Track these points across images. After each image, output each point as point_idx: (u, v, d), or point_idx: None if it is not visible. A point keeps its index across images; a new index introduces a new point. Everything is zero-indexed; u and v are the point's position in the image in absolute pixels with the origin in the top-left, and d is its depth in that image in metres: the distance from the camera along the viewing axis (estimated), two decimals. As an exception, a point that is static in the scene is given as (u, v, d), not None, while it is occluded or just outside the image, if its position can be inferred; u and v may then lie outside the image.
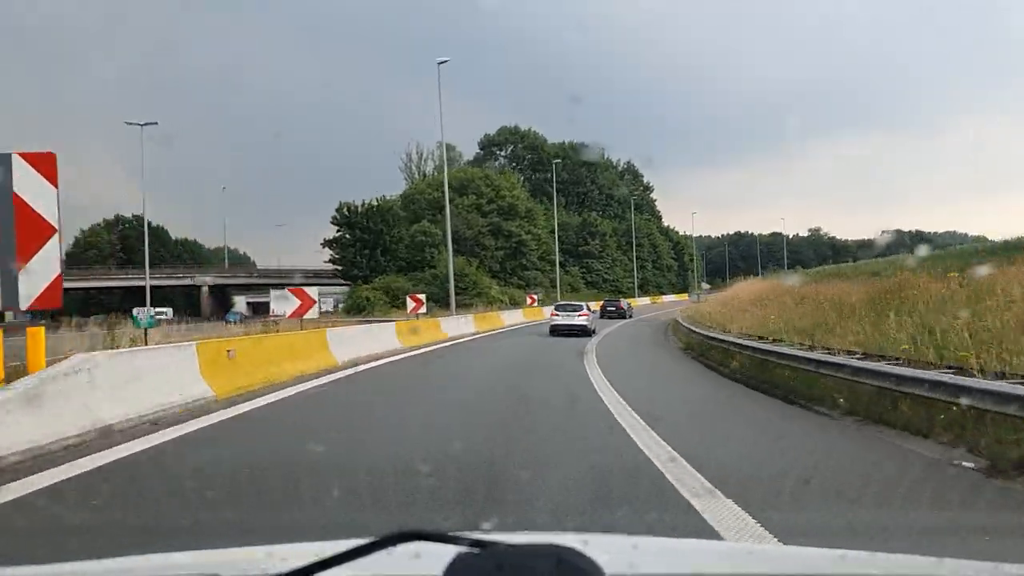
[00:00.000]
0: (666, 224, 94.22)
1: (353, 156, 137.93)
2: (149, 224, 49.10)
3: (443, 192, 36.34)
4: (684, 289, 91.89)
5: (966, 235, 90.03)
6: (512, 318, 37.53)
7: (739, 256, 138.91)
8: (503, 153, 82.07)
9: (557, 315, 27.39)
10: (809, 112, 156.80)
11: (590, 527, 3.86)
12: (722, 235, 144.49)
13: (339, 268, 56.14)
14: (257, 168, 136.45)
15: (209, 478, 5.36)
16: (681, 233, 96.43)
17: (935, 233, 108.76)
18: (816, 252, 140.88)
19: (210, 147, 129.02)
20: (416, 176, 73.46)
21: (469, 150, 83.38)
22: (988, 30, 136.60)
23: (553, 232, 59.11)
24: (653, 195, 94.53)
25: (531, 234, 63.77)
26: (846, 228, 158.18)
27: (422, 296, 30.83)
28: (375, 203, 55.90)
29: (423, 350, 19.47)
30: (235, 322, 41.52)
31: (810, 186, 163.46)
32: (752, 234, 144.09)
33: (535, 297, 44.57)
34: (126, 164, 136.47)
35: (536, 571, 0.97)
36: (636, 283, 74.99)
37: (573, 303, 30.26)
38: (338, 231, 55.98)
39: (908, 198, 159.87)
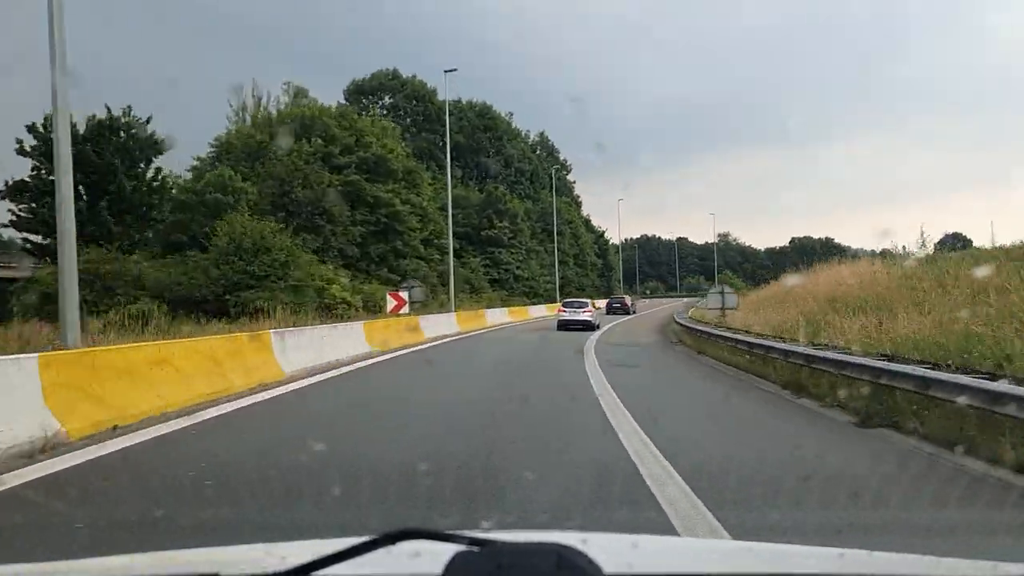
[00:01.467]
0: (585, 213, 75.79)
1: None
2: None
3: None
4: (608, 293, 73.27)
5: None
6: (348, 341, 15.76)
7: (645, 261, 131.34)
8: (378, 105, 59.89)
9: (564, 311, 29.97)
10: (707, 127, 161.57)
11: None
12: (627, 239, 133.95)
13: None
14: None
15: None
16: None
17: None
18: (726, 259, 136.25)
19: None
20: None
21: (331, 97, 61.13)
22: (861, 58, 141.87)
23: (445, 208, 37.92)
24: (571, 177, 75.67)
25: (411, 205, 42.11)
26: (751, 236, 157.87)
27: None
28: (120, 119, 30.89)
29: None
30: None
31: (714, 196, 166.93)
32: (660, 238, 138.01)
33: (403, 299, 22.70)
34: None
35: (535, 569, 0.97)
36: (557, 282, 54.82)
37: (580, 300, 33.21)
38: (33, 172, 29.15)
39: (815, 208, 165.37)
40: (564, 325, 28.21)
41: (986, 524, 4.25)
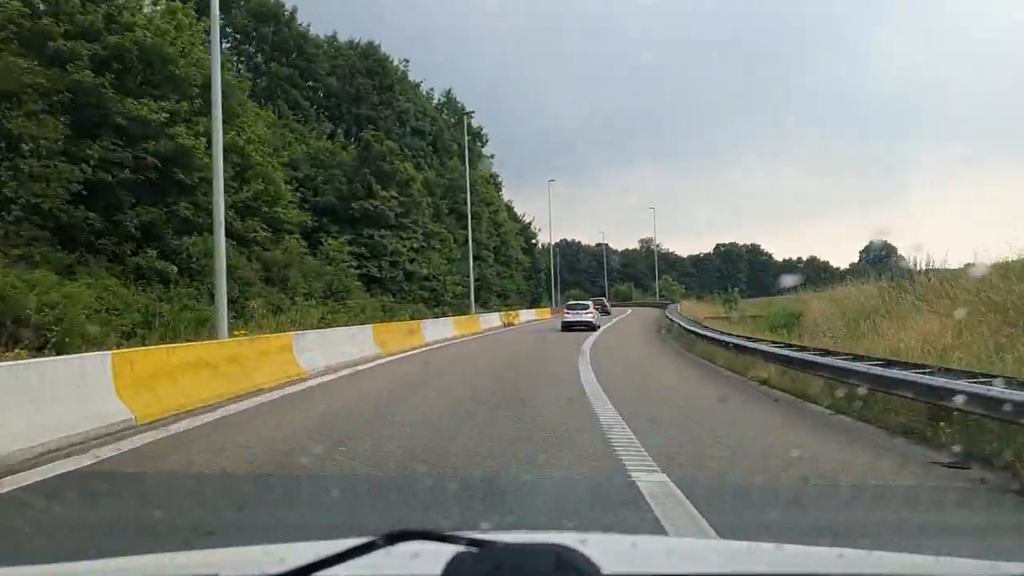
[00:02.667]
0: (507, 199, 58.67)
1: None
2: None
3: None
4: (536, 302, 56.48)
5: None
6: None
7: (565, 267, 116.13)
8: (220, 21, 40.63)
9: (568, 313, 30.90)
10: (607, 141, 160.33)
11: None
12: (543, 244, 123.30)
13: None
14: None
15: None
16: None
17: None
18: (650, 265, 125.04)
19: None
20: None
21: None
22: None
23: (293, 164, 19.84)
24: (487, 151, 58.34)
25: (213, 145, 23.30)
26: (672, 243, 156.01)
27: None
28: None
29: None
30: None
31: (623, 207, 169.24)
32: (580, 243, 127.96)
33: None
34: None
35: (534, 570, 0.97)
36: (472, 283, 36.87)
37: (582, 302, 35.18)
38: None
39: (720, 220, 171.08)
40: (568, 326, 29.18)
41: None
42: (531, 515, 4.34)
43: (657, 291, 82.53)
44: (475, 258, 40.97)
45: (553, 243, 63.82)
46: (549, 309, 52.32)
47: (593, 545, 1.13)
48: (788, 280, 69.36)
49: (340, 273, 27.48)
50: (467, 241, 36.24)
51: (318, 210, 31.24)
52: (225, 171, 24.40)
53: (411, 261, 34.30)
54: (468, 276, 36.16)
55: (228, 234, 24.29)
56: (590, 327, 28.26)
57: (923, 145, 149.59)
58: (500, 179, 56.65)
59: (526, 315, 42.58)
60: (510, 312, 37.74)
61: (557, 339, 22.98)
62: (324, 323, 23.26)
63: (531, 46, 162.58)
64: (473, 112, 39.00)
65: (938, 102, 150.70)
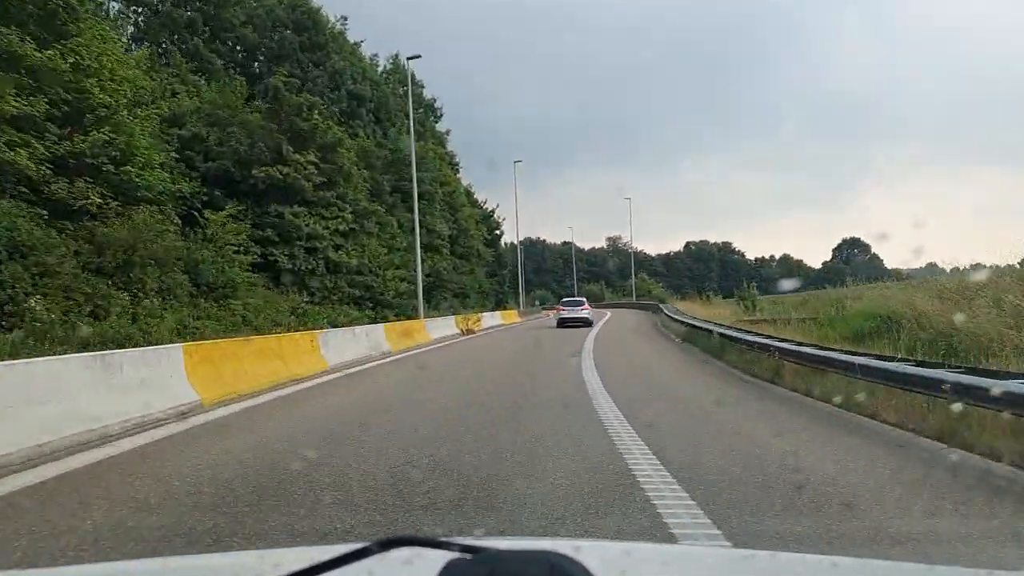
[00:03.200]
0: (466, 183, 50.55)
1: None
2: None
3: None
4: (502, 303, 48.75)
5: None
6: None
7: (529, 268, 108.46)
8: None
9: (564, 310, 32.21)
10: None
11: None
12: (507, 242, 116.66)
13: None
14: None
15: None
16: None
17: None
18: (617, 264, 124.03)
19: None
20: None
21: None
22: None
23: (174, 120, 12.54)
24: (442, 127, 50.26)
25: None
26: (641, 242, 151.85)
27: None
28: None
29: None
30: None
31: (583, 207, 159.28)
32: (545, 241, 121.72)
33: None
34: None
35: None
36: (421, 279, 28.49)
37: (576, 299, 35.63)
38: None
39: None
40: (564, 322, 30.33)
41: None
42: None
43: (633, 290, 75.35)
44: (426, 248, 32.87)
45: (518, 240, 55.88)
46: (516, 311, 44.63)
47: (587, 552, 1.14)
48: (787, 284, 63.61)
49: (221, 261, 19.20)
50: (415, 227, 28.12)
51: (208, 178, 22.96)
52: (32, 105, 16.15)
53: (336, 248, 26.07)
54: (416, 271, 28.07)
55: (37, 198, 16.09)
56: (586, 323, 29.83)
57: (881, 145, 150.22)
58: (458, 161, 48.76)
59: (490, 319, 34.81)
60: (469, 316, 29.89)
61: (542, 358, 15.44)
62: (187, 335, 15.16)
63: (498, 46, 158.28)
64: (419, 56, 30.85)
65: (898, 103, 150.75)
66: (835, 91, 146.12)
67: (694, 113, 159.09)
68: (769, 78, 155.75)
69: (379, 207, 30.42)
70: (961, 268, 17.66)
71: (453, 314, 29.99)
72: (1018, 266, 14.06)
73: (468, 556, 1.02)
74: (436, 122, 48.30)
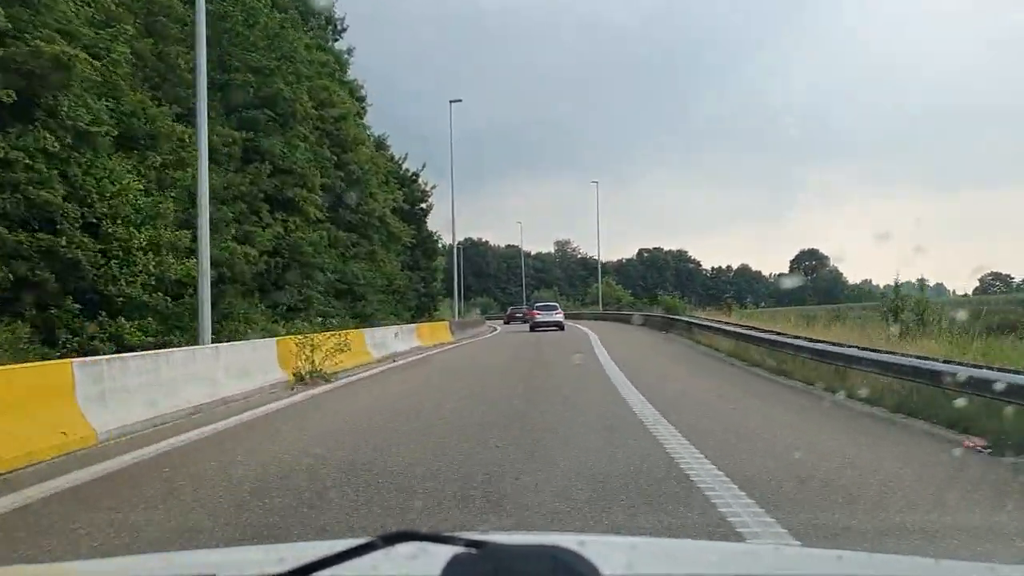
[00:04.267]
0: (379, 133, 33.32)
1: None
2: None
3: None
4: (426, 309, 31.95)
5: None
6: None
7: (469, 272, 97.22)
8: None
9: (538, 314, 31.99)
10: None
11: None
12: (442, 244, 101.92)
13: None
14: None
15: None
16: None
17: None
18: (566, 271, 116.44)
19: None
20: None
21: None
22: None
23: None
24: (343, 43, 33.08)
25: None
26: (590, 247, 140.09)
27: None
28: None
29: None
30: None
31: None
32: (488, 243, 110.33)
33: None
34: None
35: (533, 572, 0.96)
36: (206, 240, 11.20)
37: (550, 303, 37.63)
38: None
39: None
40: (537, 326, 30.27)
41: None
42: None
43: (599, 298, 59.48)
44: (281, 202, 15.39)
45: (455, 238, 39.06)
46: (449, 324, 28.02)
47: (592, 547, 1.12)
48: (788, 282, 55.69)
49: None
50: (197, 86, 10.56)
51: None
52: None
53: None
54: (200, 224, 11.03)
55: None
56: (559, 326, 29.88)
57: (818, 165, 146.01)
58: (366, 96, 31.46)
59: (395, 341, 18.21)
60: (341, 337, 12.92)
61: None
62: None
63: (445, 52, 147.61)
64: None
65: (838, 124, 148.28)
66: (780, 108, 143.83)
67: (647, 124, 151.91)
68: (716, 95, 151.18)
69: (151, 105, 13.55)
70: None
71: (302, 334, 12.88)
72: None
73: (473, 551, 1.00)
74: (347, 63, 30.96)
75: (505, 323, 43.62)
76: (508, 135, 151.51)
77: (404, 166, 34.94)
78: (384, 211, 25.50)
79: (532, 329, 29.64)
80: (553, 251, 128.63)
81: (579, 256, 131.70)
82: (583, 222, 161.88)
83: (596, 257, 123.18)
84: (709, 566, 1.45)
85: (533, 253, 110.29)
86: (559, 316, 31.07)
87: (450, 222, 47.19)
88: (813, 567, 1.45)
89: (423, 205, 34.42)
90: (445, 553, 0.99)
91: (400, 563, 1.13)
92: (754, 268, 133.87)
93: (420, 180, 34.24)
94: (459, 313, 38.99)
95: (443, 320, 29.56)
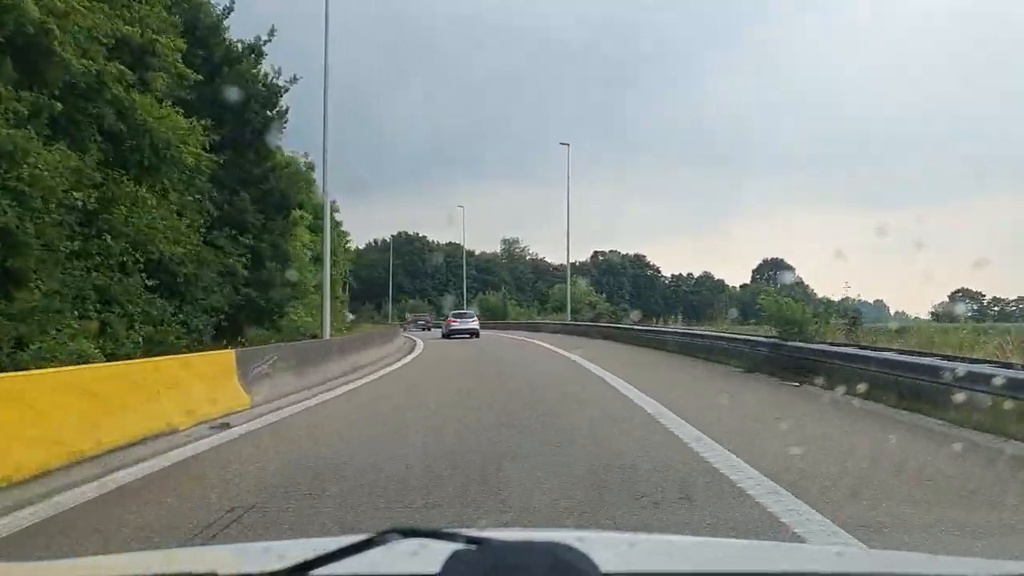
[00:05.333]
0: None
1: None
2: None
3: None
4: (268, 310, 16.86)
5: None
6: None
7: (401, 271, 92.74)
8: None
9: (454, 321, 34.29)
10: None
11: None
12: (374, 240, 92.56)
13: None
14: None
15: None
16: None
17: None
18: (514, 274, 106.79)
19: None
20: None
21: None
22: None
23: None
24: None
25: None
26: (541, 248, 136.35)
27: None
28: None
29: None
30: None
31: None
32: (425, 237, 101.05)
33: None
34: None
35: (532, 568, 0.96)
36: None
37: (467, 311, 37.85)
38: None
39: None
40: (452, 333, 32.79)
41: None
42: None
43: (568, 305, 45.32)
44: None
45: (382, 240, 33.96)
46: (234, 357, 10.67)
47: (591, 543, 1.12)
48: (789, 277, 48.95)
49: None
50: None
51: None
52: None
53: None
54: None
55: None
56: (475, 334, 31.79)
57: (753, 177, 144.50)
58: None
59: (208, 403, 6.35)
60: None
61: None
62: None
63: (378, 53, 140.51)
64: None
65: (769, 140, 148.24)
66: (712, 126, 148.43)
67: (591, 136, 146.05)
68: (659, 107, 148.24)
69: None
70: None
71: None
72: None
73: (473, 547, 1.00)
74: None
75: (444, 336, 35.78)
76: (451, 133, 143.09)
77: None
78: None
79: (446, 336, 31.66)
80: (499, 251, 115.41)
81: (529, 257, 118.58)
82: (531, 223, 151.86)
83: (547, 260, 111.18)
84: (708, 562, 1.44)
85: (477, 253, 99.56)
86: (474, 324, 33.41)
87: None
88: (813, 563, 1.46)
89: (274, 82, 18.82)
90: (445, 549, 0.99)
91: (400, 560, 1.12)
92: (717, 276, 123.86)
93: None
94: (391, 318, 35.40)
95: (219, 352, 10.97)
